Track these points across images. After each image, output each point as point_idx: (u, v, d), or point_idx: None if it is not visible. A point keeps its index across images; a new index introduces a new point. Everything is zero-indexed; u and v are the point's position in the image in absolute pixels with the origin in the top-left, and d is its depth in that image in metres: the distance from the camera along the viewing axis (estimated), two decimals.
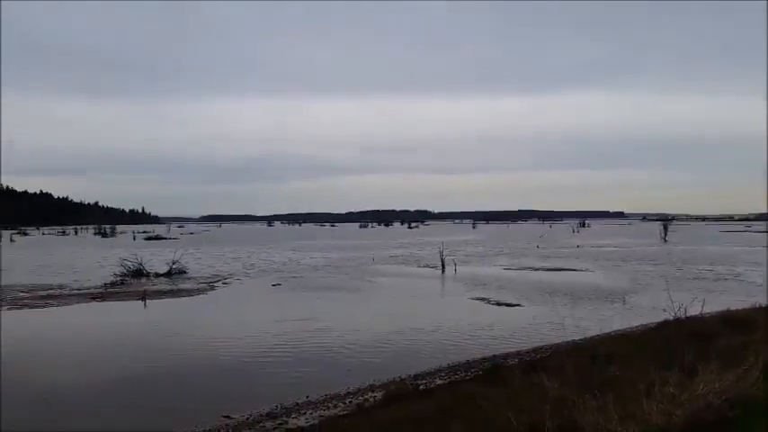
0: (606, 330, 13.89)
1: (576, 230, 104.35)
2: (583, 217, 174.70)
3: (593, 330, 13.85)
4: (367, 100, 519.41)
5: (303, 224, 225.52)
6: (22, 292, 24.09)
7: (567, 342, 12.50)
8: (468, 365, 10.88)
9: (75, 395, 9.79)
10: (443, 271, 31.02)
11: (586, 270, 31.74)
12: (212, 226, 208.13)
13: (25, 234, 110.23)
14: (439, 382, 9.71)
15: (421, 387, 9.07)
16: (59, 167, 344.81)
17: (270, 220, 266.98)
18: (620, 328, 14.45)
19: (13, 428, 8.09)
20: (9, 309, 19.79)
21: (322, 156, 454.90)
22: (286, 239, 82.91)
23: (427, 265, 34.87)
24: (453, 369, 10.66)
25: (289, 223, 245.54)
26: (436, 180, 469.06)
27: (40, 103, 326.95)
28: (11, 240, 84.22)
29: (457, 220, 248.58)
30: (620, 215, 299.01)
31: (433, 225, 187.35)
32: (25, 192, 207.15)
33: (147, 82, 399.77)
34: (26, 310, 19.53)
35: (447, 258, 32.33)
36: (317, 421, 7.83)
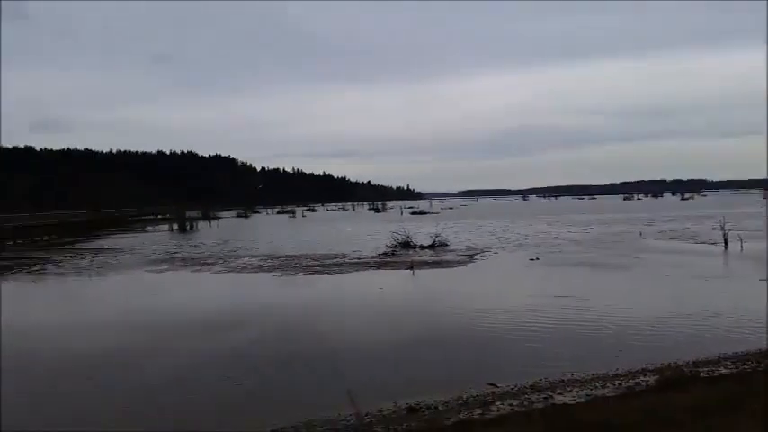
0: None
1: None
2: None
3: None
4: (630, 62, 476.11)
5: (560, 197, 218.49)
6: (313, 260, 27.98)
7: None
8: (761, 355, 9.55)
9: (391, 350, 11.13)
10: (726, 248, 27.36)
11: None
12: (469, 201, 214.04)
13: (313, 210, 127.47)
14: (723, 371, 8.72)
15: (702, 375, 8.27)
16: (337, 151, 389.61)
17: (525, 193, 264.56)
18: None
19: (358, 374, 9.59)
20: (303, 274, 23.22)
21: (578, 125, 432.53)
22: (541, 213, 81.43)
23: (705, 242, 31.10)
24: (742, 358, 9.47)
25: (544, 197, 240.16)
26: (712, 146, 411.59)
27: (319, 92, 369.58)
28: (303, 216, 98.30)
29: (740, 190, 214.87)
30: None
31: (711, 196, 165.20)
32: (311, 173, 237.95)
33: (408, 67, 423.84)
34: (316, 276, 22.68)
35: (730, 233, 28.39)
36: (583, 399, 7.70)
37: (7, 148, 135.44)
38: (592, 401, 7.46)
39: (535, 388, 8.43)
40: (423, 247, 31.38)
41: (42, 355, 11.67)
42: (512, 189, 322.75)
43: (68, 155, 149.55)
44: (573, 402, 7.55)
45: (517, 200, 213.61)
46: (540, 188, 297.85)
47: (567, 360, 9.91)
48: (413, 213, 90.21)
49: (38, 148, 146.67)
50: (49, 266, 28.82)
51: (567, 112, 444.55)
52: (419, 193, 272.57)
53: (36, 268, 28.25)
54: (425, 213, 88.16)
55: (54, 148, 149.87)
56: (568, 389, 8.31)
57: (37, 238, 48.10)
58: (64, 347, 12.26)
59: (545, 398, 7.91)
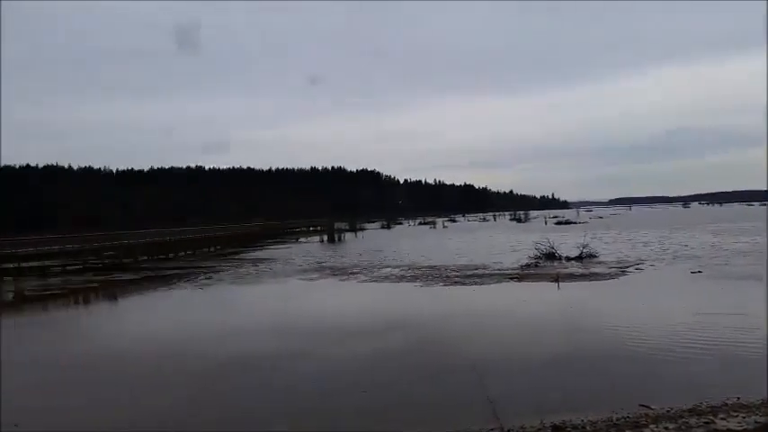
0: None
1: None
2: None
3: None
4: None
5: (726, 204, 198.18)
6: (453, 271, 28.01)
7: None
8: None
9: (535, 365, 10.97)
10: None
11: None
12: (621, 209, 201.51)
13: (453, 221, 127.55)
14: None
15: None
16: (478, 161, 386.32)
17: (685, 200, 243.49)
18: None
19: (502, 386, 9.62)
20: (444, 285, 23.32)
21: (747, 124, 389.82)
22: (705, 221, 74.40)
23: None
24: None
25: (708, 203, 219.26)
26: None
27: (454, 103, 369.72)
28: (443, 226, 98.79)
29: None
30: None
31: None
32: (452, 184, 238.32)
33: (545, 71, 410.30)
34: (457, 287, 22.68)
35: None
36: (751, 426, 6.96)
37: (180, 168, 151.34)
38: (761, 429, 6.73)
39: (694, 411, 7.77)
40: (569, 259, 30.12)
41: (202, 357, 12.89)
42: (670, 196, 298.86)
43: (233, 173, 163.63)
44: (739, 429, 6.87)
45: (676, 207, 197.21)
46: (704, 194, 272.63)
47: (730, 384, 9.00)
48: (558, 223, 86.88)
49: (207, 168, 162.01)
50: (213, 275, 31.72)
51: (732, 112, 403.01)
52: (565, 202, 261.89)
53: (202, 277, 31.24)
54: (571, 223, 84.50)
55: (221, 167, 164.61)
56: (733, 414, 7.56)
57: (204, 249, 53.15)
58: (216, 351, 13.43)
59: (705, 422, 7.27)
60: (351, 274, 29.11)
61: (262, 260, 40.96)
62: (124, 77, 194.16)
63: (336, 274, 29.13)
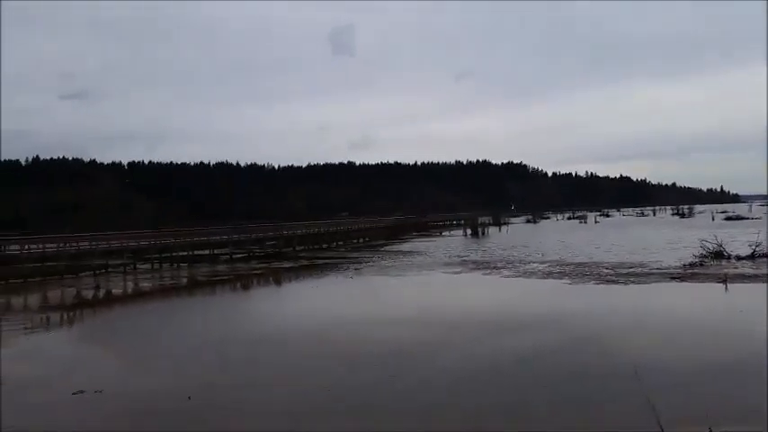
0: None
1: None
2: None
3: None
4: None
5: None
6: (606, 268, 26.62)
7: None
8: None
9: (703, 372, 10.32)
10: None
11: None
12: None
13: (607, 215, 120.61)
14: None
15: None
16: (638, 153, 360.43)
17: None
18: None
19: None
20: (596, 283, 22.28)
21: None
22: None
23: None
24: None
25: None
26: None
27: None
28: (595, 221, 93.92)
29: None
30: None
31: None
32: (606, 177, 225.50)
33: (711, 53, 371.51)
34: (610, 285, 21.55)
35: None
36: None
37: (333, 164, 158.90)
38: None
39: None
40: (739, 258, 27.31)
41: (346, 342, 13.58)
42: None
43: (380, 168, 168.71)
44: None
45: None
46: None
47: None
48: (727, 219, 78.70)
49: (357, 163, 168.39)
50: (362, 265, 33.06)
51: None
52: (735, 196, 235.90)
53: (352, 267, 32.69)
54: (743, 219, 76.11)
55: (370, 163, 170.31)
56: None
57: (354, 241, 55.51)
58: (369, 337, 14.05)
59: None
60: (495, 268, 28.82)
61: (407, 253, 41.91)
62: (282, 83, 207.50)
63: (480, 269, 29.00)
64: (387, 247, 48.53)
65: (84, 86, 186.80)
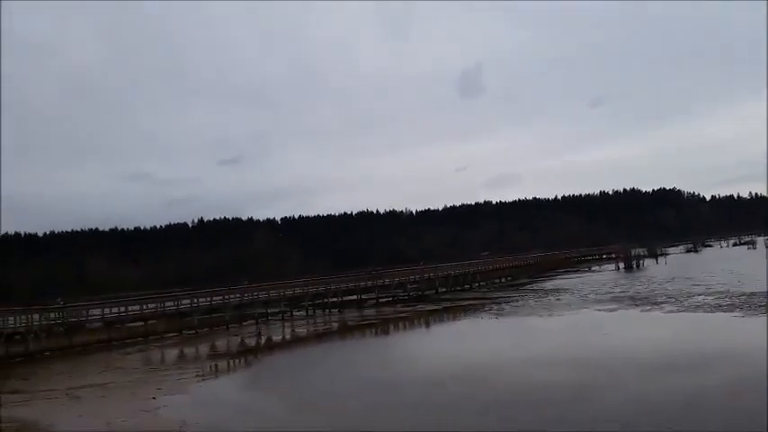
0: None
1: None
2: None
3: None
4: None
5: None
6: None
7: None
8: None
9: None
10: None
11: None
12: None
13: None
14: None
15: None
16: None
17: None
18: None
19: None
20: None
21: None
22: None
23: None
24: None
25: None
26: None
27: None
28: (766, 246, 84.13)
29: None
30: None
31: None
32: None
33: None
34: None
35: None
36: None
37: (469, 204, 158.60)
38: None
39: None
40: None
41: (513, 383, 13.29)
42: None
43: (518, 204, 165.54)
44: None
45: None
46: None
47: None
48: None
49: (494, 201, 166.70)
50: (504, 306, 32.31)
51: None
52: None
53: (494, 307, 32.06)
54: None
55: (507, 200, 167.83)
56: None
57: (496, 280, 54.53)
58: (529, 379, 13.67)
59: None
60: (655, 303, 26.83)
61: (551, 291, 40.36)
62: (413, 129, 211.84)
63: (638, 305, 27.15)
64: (530, 286, 47.08)
65: (237, 152, 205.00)
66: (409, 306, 37.79)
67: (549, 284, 47.20)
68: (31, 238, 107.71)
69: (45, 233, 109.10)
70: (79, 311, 31.76)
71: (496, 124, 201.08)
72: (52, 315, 29.48)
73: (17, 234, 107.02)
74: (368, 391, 13.82)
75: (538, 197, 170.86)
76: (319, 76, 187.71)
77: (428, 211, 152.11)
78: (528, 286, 46.87)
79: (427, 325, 28.40)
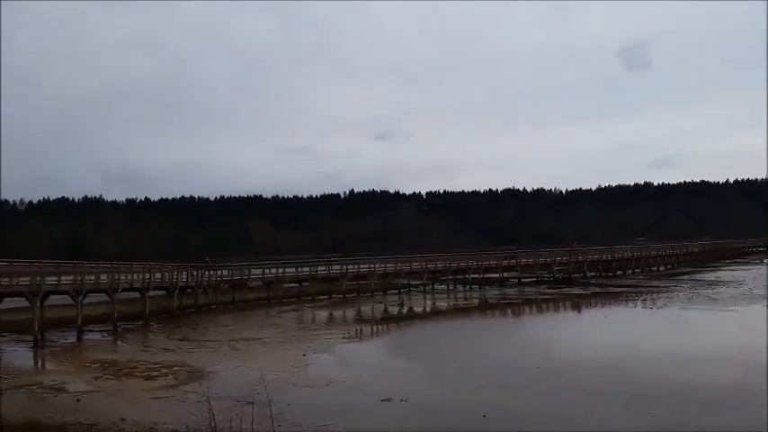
0: None
1: None
2: None
3: None
4: None
5: None
6: None
7: None
8: None
9: None
10: None
11: None
12: None
13: None
14: None
15: None
16: None
17: None
18: None
19: None
20: None
21: None
22: None
23: None
24: None
25: None
26: None
27: None
28: None
29: None
30: None
31: None
32: None
33: None
34: None
35: None
36: None
37: (627, 185, 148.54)
38: None
39: None
40: None
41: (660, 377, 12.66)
42: None
43: (683, 187, 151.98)
44: None
45: None
46: None
47: None
48: None
49: (655, 183, 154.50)
50: (658, 296, 30.22)
51: None
52: None
53: (648, 297, 30.16)
54: None
55: (670, 182, 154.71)
56: None
57: (653, 268, 50.90)
58: (666, 378, 12.93)
59: None
60: None
61: (715, 282, 36.93)
62: (575, 105, 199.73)
63: None
64: (689, 276, 43.39)
65: (388, 128, 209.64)
66: (554, 288, 36.81)
67: (709, 276, 43.25)
68: (204, 202, 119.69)
69: (216, 197, 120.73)
70: (242, 270, 35.04)
71: (663, 101, 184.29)
72: (219, 273, 32.79)
73: (192, 197, 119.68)
74: (504, 373, 13.90)
75: (706, 180, 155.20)
76: (470, 54, 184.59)
77: (580, 190, 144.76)
78: (687, 276, 43.34)
79: (572, 309, 27.56)
